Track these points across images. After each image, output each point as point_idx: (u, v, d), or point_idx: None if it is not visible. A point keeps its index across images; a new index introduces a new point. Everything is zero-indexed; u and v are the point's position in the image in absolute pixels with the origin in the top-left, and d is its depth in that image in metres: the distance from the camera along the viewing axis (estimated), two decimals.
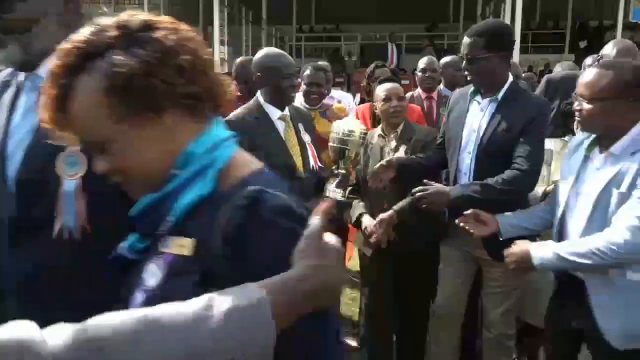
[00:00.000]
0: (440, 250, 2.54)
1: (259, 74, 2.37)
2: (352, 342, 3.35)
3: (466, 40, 2.23)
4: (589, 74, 1.80)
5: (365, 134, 2.53)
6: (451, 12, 17.36)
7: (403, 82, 3.82)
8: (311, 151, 2.45)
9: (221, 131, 0.87)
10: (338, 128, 2.45)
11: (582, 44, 13.76)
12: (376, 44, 16.77)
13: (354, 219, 2.67)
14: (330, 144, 2.46)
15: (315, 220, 0.78)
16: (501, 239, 2.07)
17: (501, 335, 2.38)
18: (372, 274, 2.83)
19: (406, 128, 2.67)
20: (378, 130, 2.77)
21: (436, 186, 2.22)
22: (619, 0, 10.52)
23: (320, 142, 2.61)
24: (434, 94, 3.98)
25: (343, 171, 2.41)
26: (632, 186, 1.68)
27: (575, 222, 1.84)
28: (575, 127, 2.20)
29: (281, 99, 2.36)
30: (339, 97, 4.74)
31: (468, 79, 2.31)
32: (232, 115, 2.32)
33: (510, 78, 2.27)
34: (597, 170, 1.80)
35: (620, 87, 1.73)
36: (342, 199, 2.40)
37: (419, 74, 3.95)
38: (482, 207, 2.12)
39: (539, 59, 14.23)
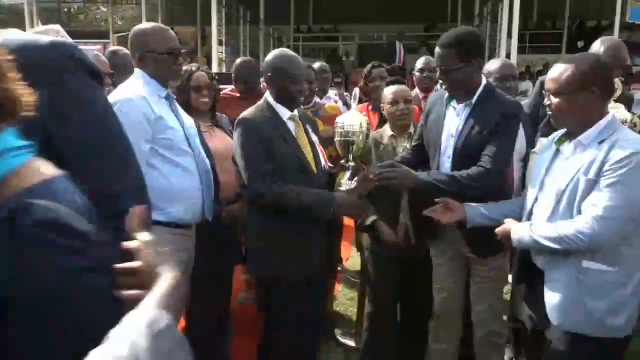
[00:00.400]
0: (431, 250, 2.59)
1: (269, 74, 2.37)
2: (351, 342, 3.35)
3: (438, 51, 2.26)
4: (554, 69, 1.87)
5: (369, 124, 2.54)
6: (449, 12, 17.39)
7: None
8: (320, 151, 2.49)
9: (11, 140, 0.82)
10: (341, 122, 2.46)
11: (580, 44, 13.78)
12: (375, 43, 16.81)
13: (367, 222, 2.70)
14: (336, 138, 2.47)
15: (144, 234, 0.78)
16: (482, 237, 2.17)
17: (490, 333, 2.40)
18: (373, 274, 2.85)
19: (416, 129, 2.68)
20: (388, 130, 2.78)
21: (403, 168, 2.29)
22: (616, 0, 10.54)
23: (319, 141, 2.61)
24: (432, 94, 3.98)
25: (352, 163, 2.43)
26: (599, 174, 1.74)
27: (542, 209, 1.91)
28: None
29: (289, 101, 2.37)
30: (335, 97, 4.76)
31: (443, 87, 2.36)
32: (245, 114, 2.32)
33: (484, 81, 2.31)
34: (565, 160, 1.88)
35: (581, 80, 1.80)
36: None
37: (417, 74, 3.96)
38: (465, 200, 2.20)
39: (537, 59, 14.26)
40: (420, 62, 3.94)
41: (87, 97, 1.44)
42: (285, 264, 2.28)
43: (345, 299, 3.97)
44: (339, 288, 3.98)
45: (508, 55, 9.66)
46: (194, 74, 2.85)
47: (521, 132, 2.62)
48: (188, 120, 2.42)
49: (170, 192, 2.20)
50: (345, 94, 6.06)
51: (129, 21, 17.89)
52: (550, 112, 1.90)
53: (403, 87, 2.78)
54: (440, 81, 2.32)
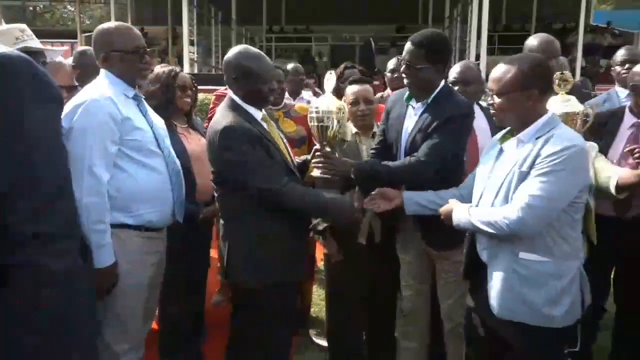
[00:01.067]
0: (397, 247, 2.64)
1: (235, 75, 2.26)
2: (324, 342, 3.37)
3: (408, 46, 2.34)
4: (497, 70, 1.98)
5: (342, 108, 2.47)
6: (420, 14, 17.59)
7: (374, 82, 3.87)
8: (291, 151, 2.47)
9: None
10: (316, 106, 2.42)
11: None
12: (348, 44, 16.88)
13: (319, 227, 2.67)
14: (311, 123, 2.44)
15: None
16: (435, 229, 2.28)
17: (459, 326, 2.44)
18: (338, 276, 2.86)
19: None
20: (352, 127, 2.79)
21: (339, 157, 2.40)
22: (580, 3, 10.82)
23: (289, 142, 2.60)
24: (393, 94, 4.02)
25: (328, 149, 2.41)
26: (531, 166, 1.85)
27: (485, 205, 2.02)
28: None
29: (260, 102, 2.31)
30: (309, 98, 4.77)
31: (405, 82, 2.41)
32: (226, 122, 2.18)
33: (442, 83, 2.40)
34: (506, 156, 1.99)
35: (521, 80, 1.90)
36: (328, 176, 2.40)
37: (388, 74, 4.00)
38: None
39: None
40: (391, 63, 3.98)
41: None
42: (277, 269, 2.23)
43: (319, 300, 3.99)
44: (313, 289, 3.99)
45: (478, 57, 9.82)
46: (179, 73, 2.86)
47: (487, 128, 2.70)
48: (157, 120, 2.39)
49: (139, 194, 2.18)
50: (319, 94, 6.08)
51: (97, 21, 17.56)
52: (493, 112, 2.01)
53: (365, 86, 2.77)
54: (403, 74, 2.38)
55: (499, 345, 2.03)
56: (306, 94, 5.05)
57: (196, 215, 2.70)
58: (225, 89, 3.88)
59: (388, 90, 4.02)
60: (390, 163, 2.36)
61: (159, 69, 2.90)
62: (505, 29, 16.27)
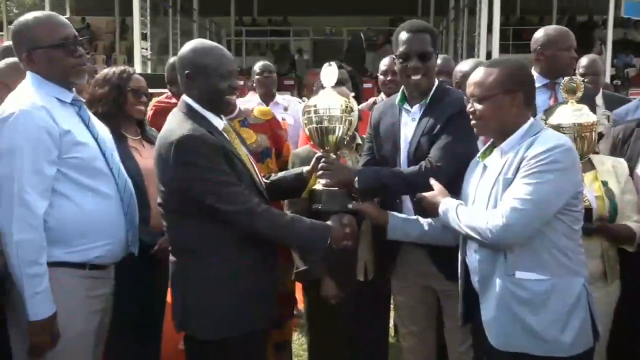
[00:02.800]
0: (394, 287, 2.67)
1: (187, 72, 2.25)
2: None
3: (411, 35, 2.44)
4: (477, 73, 2.10)
5: (350, 105, 2.38)
6: (420, 3, 17.88)
7: (365, 85, 3.89)
8: (257, 166, 2.44)
9: None
10: (313, 106, 2.36)
11: None
12: (332, 39, 17.03)
13: (311, 277, 2.73)
14: (309, 126, 2.37)
15: None
16: (450, 257, 2.29)
17: None
18: (319, 318, 2.89)
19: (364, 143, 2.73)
20: None
21: (340, 163, 2.41)
22: None
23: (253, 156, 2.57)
24: (376, 105, 4.05)
25: (334, 156, 2.38)
26: (516, 171, 1.97)
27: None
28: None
29: (218, 106, 2.29)
30: (286, 104, 4.78)
31: (413, 78, 2.41)
32: (181, 131, 2.14)
33: (436, 81, 2.52)
34: (490, 170, 2.11)
35: (505, 82, 2.04)
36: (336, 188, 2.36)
37: (381, 76, 4.01)
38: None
39: (522, 59, 14.78)
40: (384, 63, 4.00)
41: None
42: (242, 317, 2.19)
43: (300, 350, 3.95)
44: (294, 336, 3.96)
45: (489, 54, 10.00)
46: (132, 75, 2.85)
47: None
48: (103, 130, 2.35)
49: (84, 225, 2.15)
50: (298, 99, 6.10)
51: (27, 10, 17.51)
52: (474, 120, 2.11)
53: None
54: (413, 70, 2.40)
55: None
56: (282, 97, 5.05)
57: (150, 246, 2.67)
58: (166, 97, 3.84)
59: (382, 95, 4.05)
60: (401, 170, 2.41)
61: (108, 69, 2.89)
62: (520, 22, 16.61)
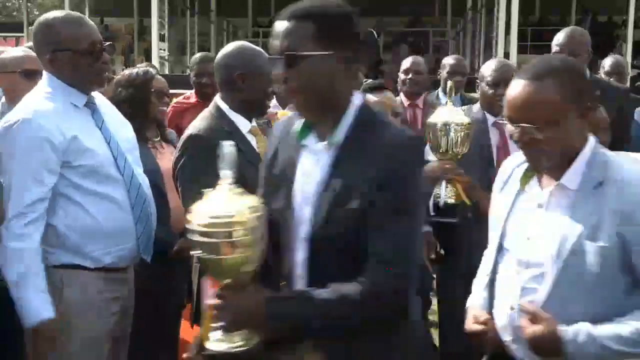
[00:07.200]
0: None
1: (240, 72, 2.26)
2: None
3: (286, 25, 1.46)
4: (520, 92, 1.55)
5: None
6: (437, 3, 17.77)
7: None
8: None
9: None
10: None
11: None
12: None
13: None
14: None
15: None
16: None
17: None
18: None
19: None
20: None
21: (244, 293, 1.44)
22: None
23: None
24: (419, 101, 4.03)
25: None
26: (620, 236, 1.48)
27: (527, 283, 1.60)
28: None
29: (260, 109, 2.32)
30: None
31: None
32: (197, 129, 2.20)
33: (359, 97, 1.56)
34: (546, 212, 1.61)
35: (575, 96, 1.55)
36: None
37: (401, 75, 4.00)
38: None
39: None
40: (406, 62, 3.99)
41: None
42: None
43: None
44: None
45: (507, 55, 9.91)
46: (155, 76, 2.86)
47: None
48: (120, 132, 2.32)
49: (95, 232, 2.14)
50: None
51: (47, 11, 17.66)
52: (533, 154, 1.59)
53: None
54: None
55: None
56: None
57: (168, 247, 2.67)
58: (184, 98, 3.87)
59: (401, 97, 4.01)
60: (331, 295, 1.39)
61: (129, 70, 2.90)
62: (539, 23, 16.44)
